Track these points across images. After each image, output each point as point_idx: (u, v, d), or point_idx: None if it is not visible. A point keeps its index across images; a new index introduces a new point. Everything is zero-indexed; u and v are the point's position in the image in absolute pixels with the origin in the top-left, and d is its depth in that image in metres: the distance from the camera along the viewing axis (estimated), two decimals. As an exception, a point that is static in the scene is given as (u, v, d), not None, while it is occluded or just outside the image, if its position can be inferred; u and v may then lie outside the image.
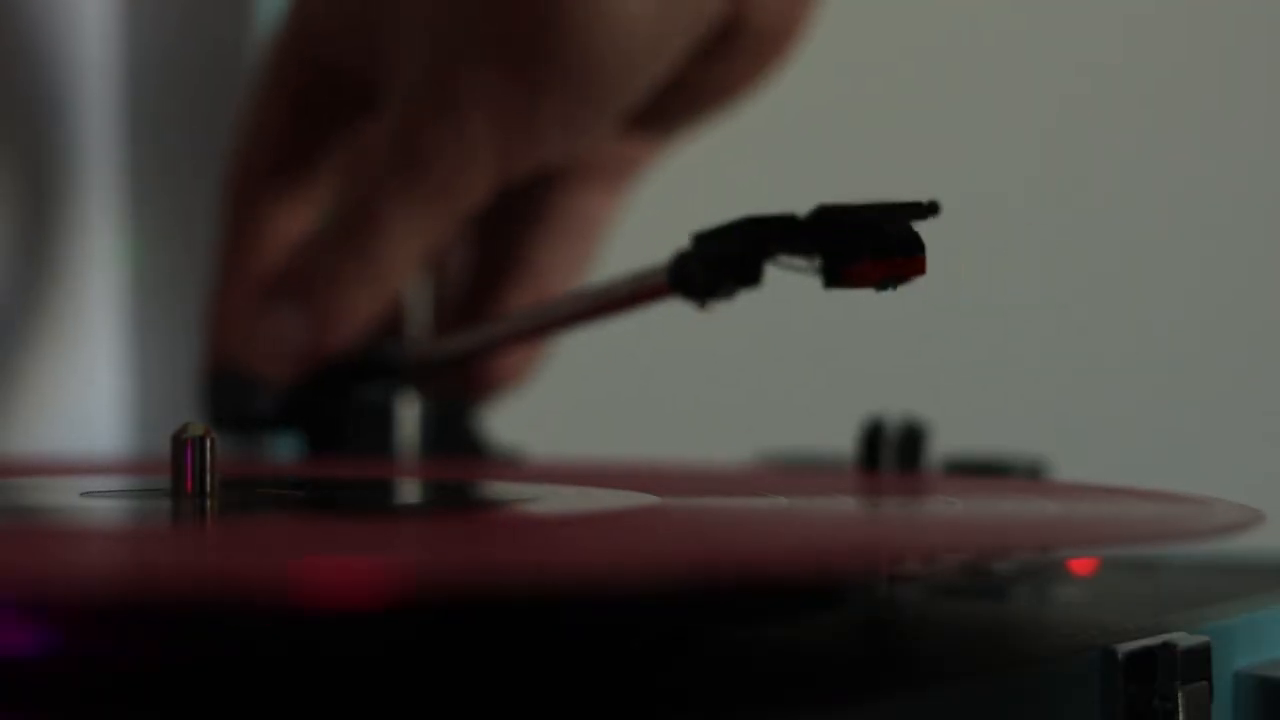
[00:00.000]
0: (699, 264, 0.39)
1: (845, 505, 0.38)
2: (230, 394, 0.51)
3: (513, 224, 0.54)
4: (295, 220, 0.53)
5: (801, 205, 0.37)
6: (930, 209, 0.36)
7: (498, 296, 0.54)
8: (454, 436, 0.51)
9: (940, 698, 0.28)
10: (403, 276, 0.49)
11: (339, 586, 0.23)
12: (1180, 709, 0.31)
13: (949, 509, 0.35)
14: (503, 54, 0.48)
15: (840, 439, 0.49)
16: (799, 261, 0.38)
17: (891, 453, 0.45)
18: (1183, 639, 0.32)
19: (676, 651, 0.30)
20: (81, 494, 0.38)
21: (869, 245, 0.36)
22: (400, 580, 0.23)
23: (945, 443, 0.46)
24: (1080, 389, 0.81)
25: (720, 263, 0.39)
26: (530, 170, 0.50)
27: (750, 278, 0.39)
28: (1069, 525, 0.33)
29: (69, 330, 0.64)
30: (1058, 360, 0.80)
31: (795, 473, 0.48)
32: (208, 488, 0.35)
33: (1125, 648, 0.31)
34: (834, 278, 0.37)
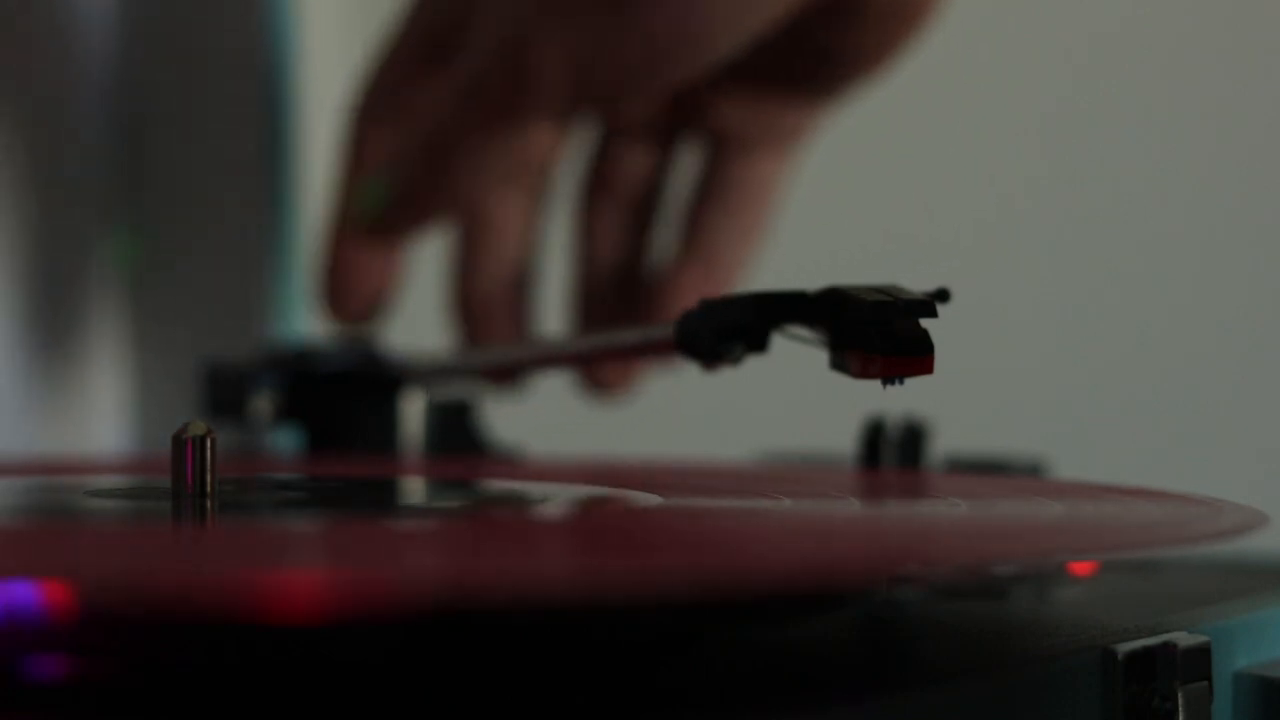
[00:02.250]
0: (708, 330, 0.39)
1: (850, 508, 0.38)
2: (226, 384, 0.51)
3: (679, 200, 0.54)
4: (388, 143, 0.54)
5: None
6: (940, 298, 0.37)
7: (669, 271, 0.54)
8: (457, 435, 0.51)
9: (940, 698, 0.28)
10: (475, 201, 0.50)
11: (333, 599, 0.23)
12: (1180, 709, 0.31)
13: (955, 511, 0.35)
14: None
15: (841, 439, 0.49)
16: (806, 333, 0.38)
17: (892, 452, 0.45)
18: (1183, 639, 0.32)
19: (676, 652, 0.30)
20: (84, 493, 0.38)
21: (879, 343, 0.36)
22: (395, 592, 0.23)
23: (945, 443, 0.46)
24: (1080, 389, 0.81)
25: (729, 330, 0.39)
26: (608, 106, 0.50)
27: (757, 345, 0.39)
28: (1076, 529, 0.33)
29: (69, 330, 0.64)
30: (1058, 360, 0.80)
31: (798, 472, 0.48)
32: (208, 488, 0.35)
33: (1125, 648, 0.31)
34: (840, 365, 0.37)
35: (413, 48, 0.53)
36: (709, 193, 0.54)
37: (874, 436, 0.45)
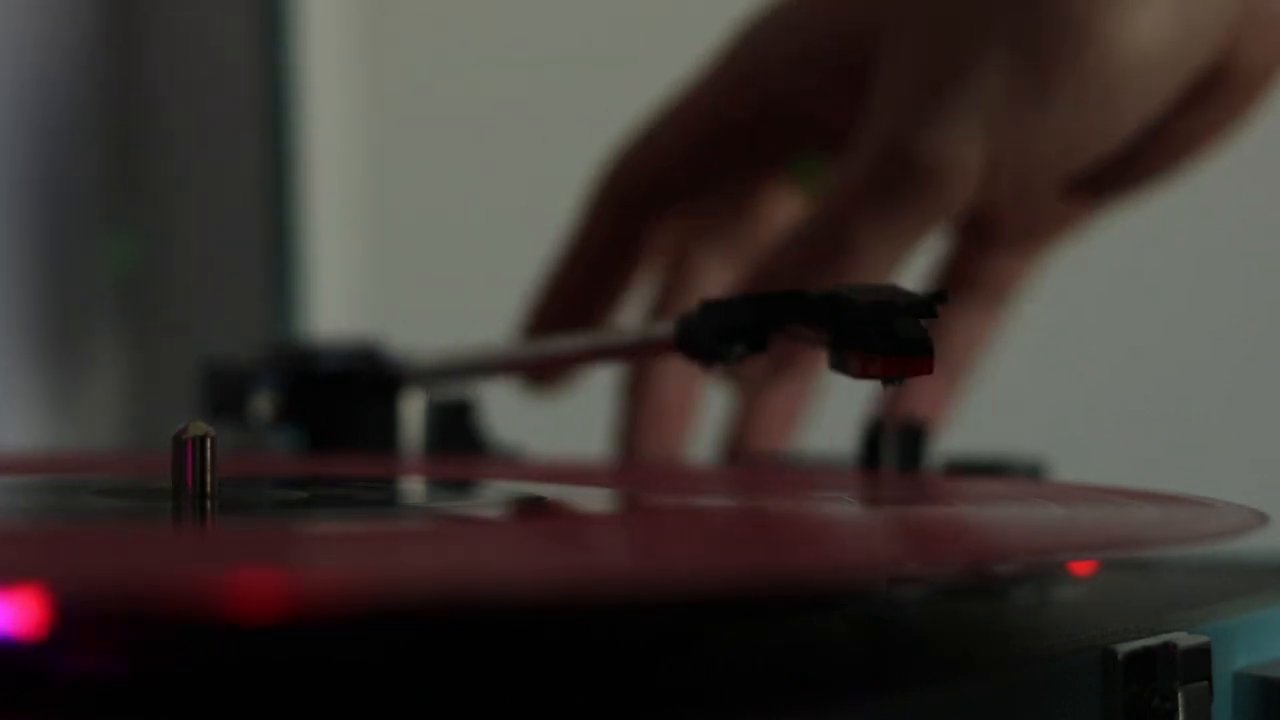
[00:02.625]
0: (708, 330, 0.39)
1: (850, 508, 0.38)
2: (226, 384, 0.51)
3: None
4: (666, 239, 0.53)
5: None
6: (939, 299, 0.37)
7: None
8: (457, 435, 0.51)
9: (940, 698, 0.28)
10: None
11: (334, 598, 0.23)
12: (1180, 709, 0.31)
13: (955, 511, 0.35)
14: (1015, 50, 0.45)
15: (841, 439, 0.49)
16: (807, 333, 0.38)
17: (892, 453, 0.45)
18: (1183, 639, 0.32)
19: (676, 652, 0.30)
20: (84, 493, 0.38)
21: (879, 343, 0.36)
22: (395, 592, 0.23)
23: (945, 443, 0.46)
24: (1080, 389, 0.81)
25: (729, 331, 0.39)
26: (1014, 194, 0.47)
27: (757, 345, 0.39)
28: (1075, 529, 0.33)
29: (69, 331, 0.64)
30: (1058, 360, 0.80)
31: (798, 473, 0.48)
32: (208, 488, 0.35)
33: (1125, 648, 0.31)
34: (840, 364, 0.37)
35: (709, 139, 0.51)
36: (952, 275, 0.52)
37: (874, 437, 0.45)
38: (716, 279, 0.52)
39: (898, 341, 0.36)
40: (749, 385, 0.52)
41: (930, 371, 0.36)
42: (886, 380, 0.36)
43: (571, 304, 0.53)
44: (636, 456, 0.52)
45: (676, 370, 0.52)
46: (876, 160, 0.46)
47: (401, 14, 0.84)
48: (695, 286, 0.52)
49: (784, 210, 0.53)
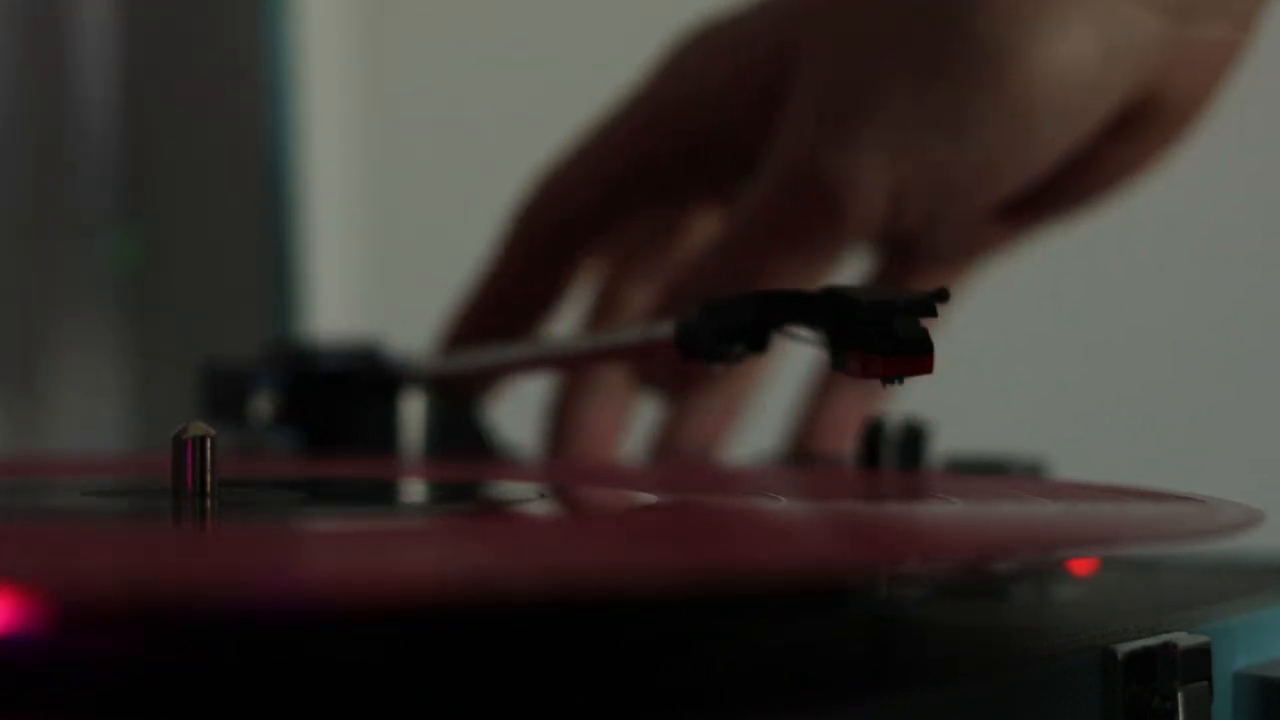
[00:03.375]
0: (708, 330, 0.39)
1: (850, 508, 0.38)
2: (226, 384, 0.51)
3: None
4: (592, 265, 0.52)
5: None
6: (939, 298, 0.37)
7: (830, 378, 0.51)
8: (457, 436, 0.51)
9: (940, 698, 0.28)
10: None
11: (334, 597, 0.23)
12: (1180, 709, 0.31)
13: (954, 510, 0.35)
14: (929, 76, 0.44)
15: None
16: (806, 333, 0.38)
17: (892, 453, 0.45)
18: (1183, 639, 0.32)
19: (676, 652, 0.30)
20: (83, 493, 0.38)
21: (879, 342, 0.36)
22: (395, 591, 0.23)
23: (945, 443, 0.46)
24: (1080, 389, 0.81)
25: (729, 330, 0.39)
26: (929, 219, 0.46)
27: (758, 345, 0.39)
28: (1071, 526, 0.33)
29: (69, 330, 0.64)
30: (1058, 360, 0.80)
31: (799, 473, 0.48)
32: (208, 487, 0.35)
33: (1125, 648, 0.31)
34: (840, 364, 0.37)
35: (630, 170, 0.50)
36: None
37: (874, 437, 0.45)
38: (644, 308, 0.51)
39: (898, 341, 0.36)
40: (675, 396, 0.52)
41: (930, 371, 0.36)
42: (886, 380, 0.36)
43: (485, 334, 0.52)
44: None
45: (605, 390, 0.52)
46: (780, 181, 0.46)
47: (401, 14, 0.84)
48: (622, 315, 0.52)
49: (711, 238, 0.52)
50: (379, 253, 0.77)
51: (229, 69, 0.64)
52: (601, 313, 0.53)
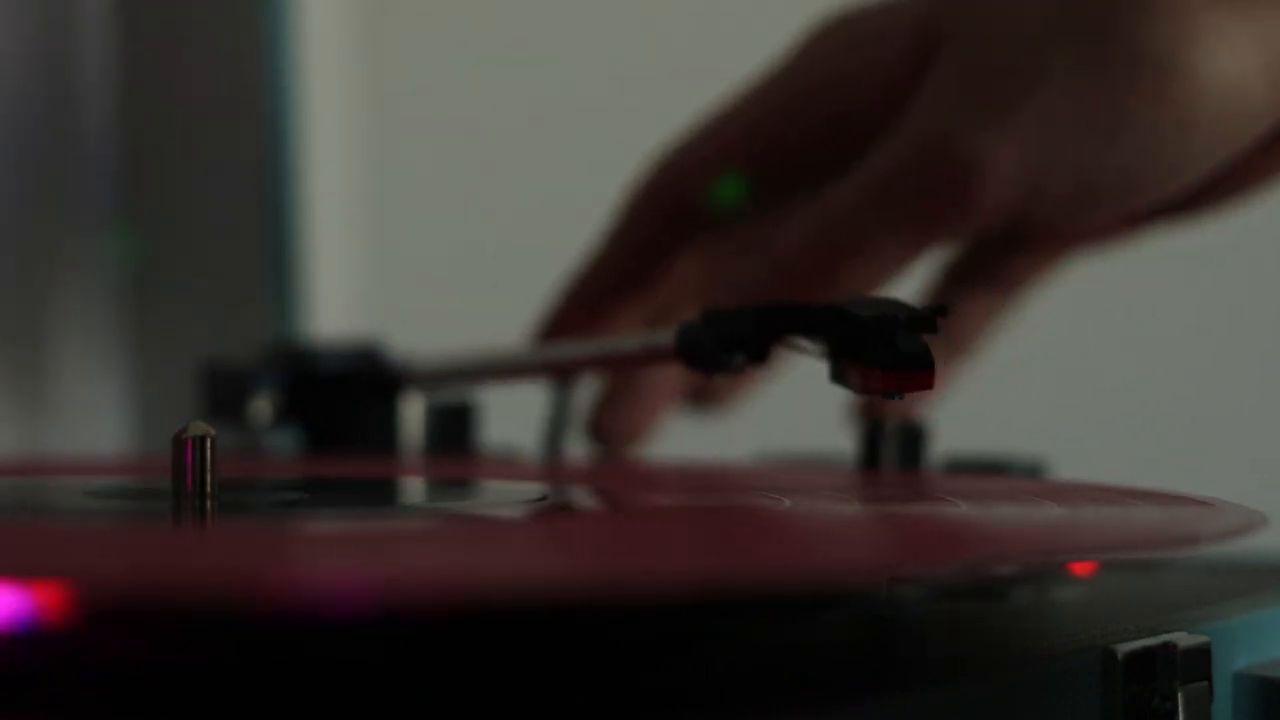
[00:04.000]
0: (709, 340, 0.39)
1: (850, 509, 0.38)
2: (226, 384, 0.51)
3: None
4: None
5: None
6: (940, 313, 0.36)
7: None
8: (457, 438, 0.51)
9: (940, 698, 0.28)
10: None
11: (333, 598, 0.23)
12: (1180, 709, 0.31)
13: (955, 511, 0.35)
14: (1086, 77, 0.43)
15: (841, 440, 0.49)
16: (807, 344, 0.38)
17: (892, 453, 0.45)
18: (1183, 639, 0.32)
19: (676, 652, 0.30)
20: (84, 493, 0.38)
21: (879, 357, 0.36)
22: (395, 592, 0.23)
23: (945, 443, 0.46)
24: (1080, 389, 0.81)
25: (730, 340, 0.39)
26: (1059, 216, 0.45)
27: (758, 355, 0.39)
28: (1076, 529, 0.33)
29: (69, 330, 0.64)
30: (1058, 360, 0.80)
31: (798, 473, 0.48)
32: (208, 487, 0.35)
33: (1125, 648, 0.31)
34: (840, 378, 0.37)
35: (781, 121, 0.49)
36: (972, 277, 0.51)
37: (873, 437, 0.45)
38: (733, 283, 0.49)
39: (899, 356, 0.36)
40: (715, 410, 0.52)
41: (931, 386, 0.36)
42: (886, 394, 0.36)
43: (593, 310, 0.51)
44: (603, 434, 0.52)
45: (645, 394, 0.51)
46: (905, 157, 0.44)
47: (401, 14, 0.84)
48: (697, 289, 0.51)
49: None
50: (379, 253, 0.77)
51: (229, 69, 0.64)
52: (675, 289, 0.52)
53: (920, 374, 0.36)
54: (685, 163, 0.50)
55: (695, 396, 0.53)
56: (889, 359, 0.36)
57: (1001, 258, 0.50)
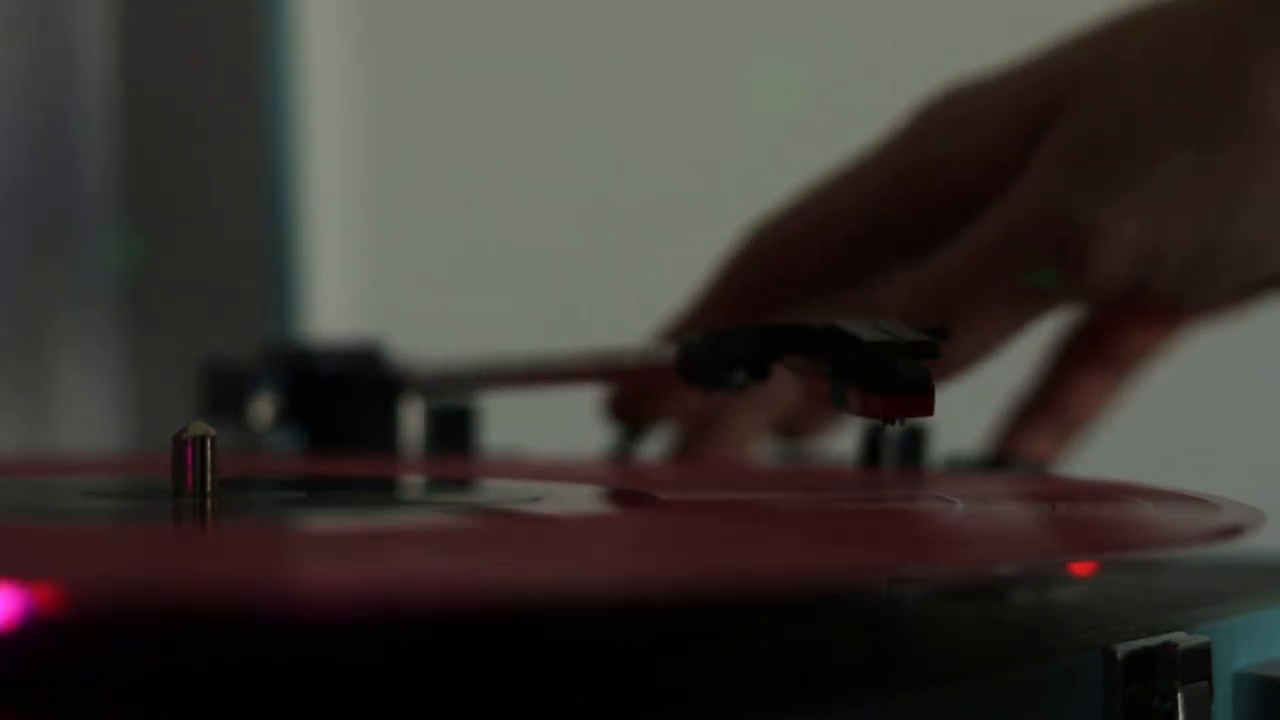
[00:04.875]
0: (710, 358, 0.39)
1: (851, 508, 0.38)
2: (226, 384, 0.51)
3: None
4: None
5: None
6: (941, 335, 0.36)
7: (1024, 417, 0.50)
8: (456, 440, 0.51)
9: (940, 698, 0.28)
10: (971, 365, 0.45)
11: (333, 598, 0.23)
12: (1180, 709, 0.31)
13: (955, 511, 0.35)
14: (1207, 152, 0.42)
15: (841, 440, 0.49)
16: (807, 364, 0.38)
17: (893, 452, 0.45)
18: (1183, 639, 0.32)
19: (676, 652, 0.30)
20: (83, 493, 0.38)
21: (880, 383, 0.36)
22: (395, 592, 0.23)
23: (945, 443, 0.46)
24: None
25: (731, 358, 0.39)
26: (1175, 291, 0.45)
27: (759, 374, 0.39)
28: (1076, 529, 0.33)
29: (69, 330, 0.64)
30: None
31: (799, 473, 0.48)
32: (208, 487, 0.35)
33: (1125, 648, 0.31)
34: (840, 399, 0.37)
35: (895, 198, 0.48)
36: (1085, 351, 0.50)
37: (874, 437, 0.45)
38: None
39: (900, 382, 0.36)
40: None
41: (931, 413, 0.36)
42: (886, 419, 0.36)
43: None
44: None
45: (735, 436, 0.51)
46: (1021, 218, 0.44)
47: (401, 14, 0.84)
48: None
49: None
50: (379, 253, 0.77)
51: (229, 69, 0.64)
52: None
53: (919, 400, 0.36)
54: (781, 235, 0.50)
55: (784, 430, 0.52)
56: (889, 384, 0.36)
57: (1116, 333, 0.50)
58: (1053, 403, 0.50)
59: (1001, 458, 0.47)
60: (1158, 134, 0.43)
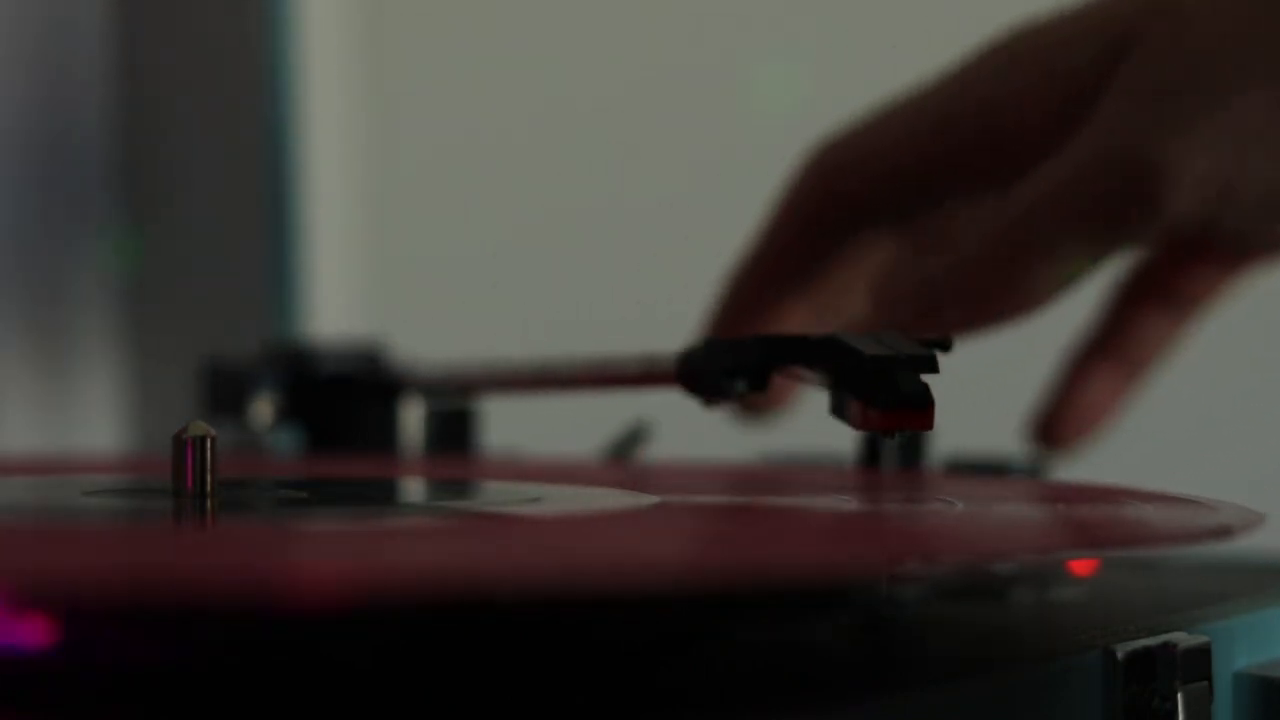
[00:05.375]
0: (710, 367, 0.39)
1: (850, 508, 0.38)
2: (226, 384, 0.51)
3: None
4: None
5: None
6: (941, 347, 0.36)
7: (1085, 359, 0.50)
8: (456, 441, 0.51)
9: (940, 698, 0.28)
10: (1045, 301, 0.45)
11: (333, 595, 0.23)
12: (1180, 709, 0.31)
13: (955, 511, 0.35)
14: None
15: (842, 439, 0.49)
16: (807, 374, 0.38)
17: (893, 453, 0.45)
18: (1183, 639, 0.32)
19: (676, 652, 0.30)
20: (84, 493, 0.38)
21: (879, 397, 0.36)
22: (394, 589, 0.23)
23: (945, 443, 0.46)
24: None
25: (731, 368, 0.39)
26: (1249, 224, 0.44)
27: (758, 384, 0.39)
28: (1075, 530, 0.33)
29: (69, 331, 0.64)
30: (1057, 360, 0.80)
31: (799, 473, 0.48)
32: (208, 487, 0.35)
33: (1125, 648, 0.31)
34: (839, 410, 0.37)
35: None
36: (1149, 288, 0.50)
37: (874, 437, 0.45)
38: (903, 295, 0.48)
39: (899, 396, 0.36)
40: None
41: (930, 427, 0.36)
42: (885, 433, 0.36)
43: (755, 309, 0.50)
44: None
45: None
46: (1090, 161, 0.44)
47: (401, 14, 0.84)
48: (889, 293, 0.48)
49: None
50: (379, 253, 0.77)
51: (229, 69, 0.64)
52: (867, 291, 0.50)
53: (919, 414, 0.36)
54: (843, 159, 0.49)
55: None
56: (888, 398, 0.36)
57: (1181, 273, 0.50)
58: (1115, 344, 0.50)
59: (1003, 460, 0.47)
60: (1230, 71, 0.43)
